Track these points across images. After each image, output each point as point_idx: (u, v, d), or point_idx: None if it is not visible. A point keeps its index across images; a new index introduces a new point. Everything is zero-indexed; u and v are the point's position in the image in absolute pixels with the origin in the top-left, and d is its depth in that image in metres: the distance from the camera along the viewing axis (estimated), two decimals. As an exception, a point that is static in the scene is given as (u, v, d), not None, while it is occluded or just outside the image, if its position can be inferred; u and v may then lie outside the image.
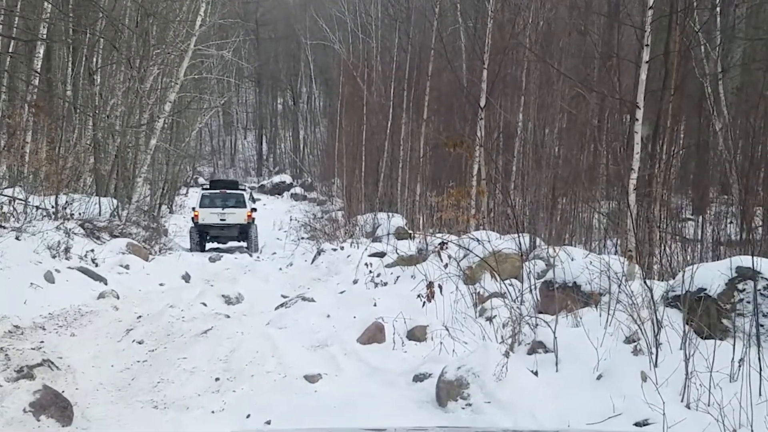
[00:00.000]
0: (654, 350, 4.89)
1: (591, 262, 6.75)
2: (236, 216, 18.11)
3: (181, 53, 19.07)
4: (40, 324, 7.58)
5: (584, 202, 13.18)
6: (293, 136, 58.29)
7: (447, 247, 9.74)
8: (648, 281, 6.06)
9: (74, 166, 18.48)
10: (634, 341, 5.25)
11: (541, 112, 12.68)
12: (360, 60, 28.22)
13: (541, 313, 7.49)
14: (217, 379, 5.81)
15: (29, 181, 16.35)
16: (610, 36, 11.57)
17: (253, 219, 18.62)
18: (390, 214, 16.55)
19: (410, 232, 13.13)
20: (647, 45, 7.77)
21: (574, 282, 7.32)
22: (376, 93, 26.53)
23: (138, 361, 6.39)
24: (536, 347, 5.65)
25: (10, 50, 19.48)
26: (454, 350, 6.02)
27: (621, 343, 5.30)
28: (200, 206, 18.15)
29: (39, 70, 18.89)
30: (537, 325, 6.18)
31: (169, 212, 31.67)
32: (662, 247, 7.59)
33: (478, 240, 9.79)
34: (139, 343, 6.91)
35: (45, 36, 18.79)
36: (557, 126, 12.44)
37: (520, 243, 9.24)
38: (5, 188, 14.79)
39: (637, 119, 7.82)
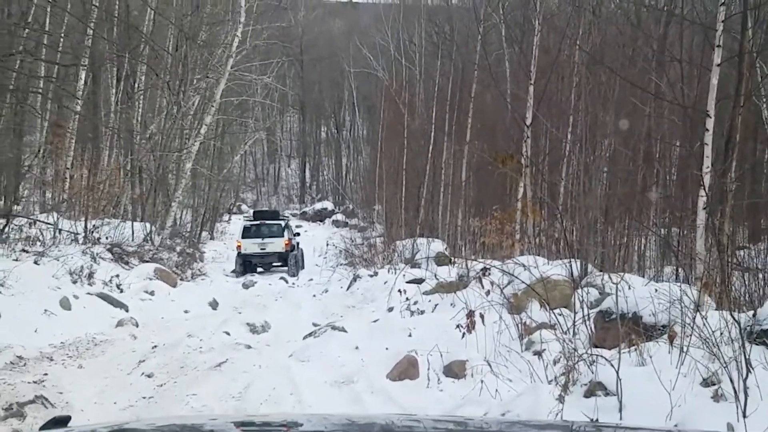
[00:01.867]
0: (742, 397, 4.02)
1: (656, 290, 5.87)
2: (275, 245, 19.36)
3: (219, 76, 18.78)
4: (48, 354, 7.04)
5: (639, 226, 12.26)
6: (336, 164, 58.18)
7: (489, 273, 8.96)
8: (723, 313, 5.19)
9: (112, 191, 18.30)
10: (714, 384, 4.39)
11: (592, 130, 11.82)
12: (402, 85, 27.81)
13: (596, 347, 6.63)
14: (226, 421, 5.12)
15: (69, 206, 16.16)
16: (664, 40, 10.72)
17: (293, 246, 19.97)
18: (430, 239, 15.81)
19: (450, 257, 12.35)
20: (719, 46, 6.92)
21: (635, 313, 6.48)
22: (418, 118, 26.02)
23: (144, 398, 5.75)
24: (595, 389, 4.80)
25: (55, 75, 19.60)
26: (497, 390, 5.21)
27: (698, 386, 4.43)
28: (242, 237, 19.60)
29: (81, 95, 18.90)
30: (594, 361, 5.35)
31: (210, 238, 31.47)
32: (730, 276, 6.68)
33: (523, 265, 8.99)
34: (149, 376, 6.28)
35: (87, 61, 18.82)
36: (610, 145, 11.54)
37: (573, 268, 8.41)
38: (41, 213, 14.62)
39: (707, 129, 6.96)
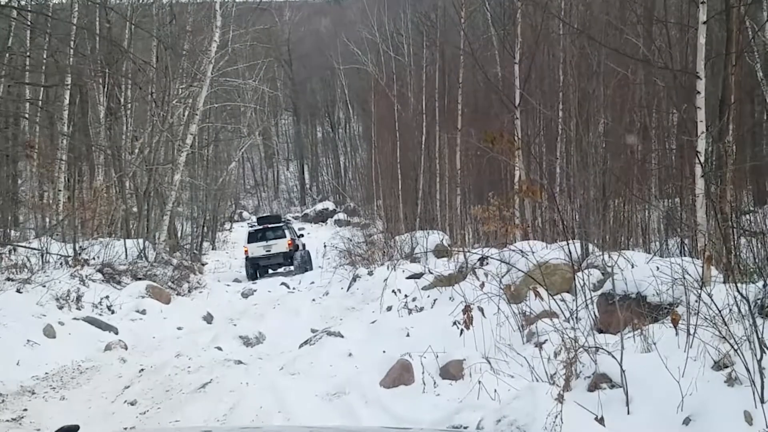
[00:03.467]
0: (758, 379, 3.67)
1: (658, 268, 5.51)
2: (278, 246, 20.74)
3: (201, 84, 18.44)
4: (30, 387, 6.71)
5: (639, 200, 11.88)
6: (334, 163, 57.91)
7: (487, 263, 8.61)
8: (730, 287, 4.83)
9: (103, 210, 18.02)
10: (726, 367, 4.04)
11: (583, 106, 11.43)
12: (391, 78, 27.47)
13: (600, 332, 6.29)
14: (210, 446, 4.80)
15: (61, 229, 15.89)
16: (652, 3, 10.26)
17: (296, 246, 21.44)
18: (428, 231, 15.46)
19: (449, 249, 12.00)
20: (703, 2, 6.51)
21: (638, 293, 6.12)
22: (410, 109, 25.67)
23: (125, 429, 5.42)
24: (599, 381, 4.45)
25: (41, 98, 19.34)
26: (496, 390, 4.86)
27: (709, 371, 4.09)
28: (248, 242, 21.01)
29: (66, 115, 18.64)
30: (597, 350, 5.01)
31: (212, 248, 31.15)
32: (737, 244, 6.30)
33: (521, 252, 8.63)
34: (132, 404, 5.95)
35: (70, 81, 18.55)
36: (603, 119, 11.12)
37: (570, 251, 8.04)
38: (34, 238, 14.32)
39: (698, 92, 6.55)
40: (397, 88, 26.54)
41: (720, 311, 4.15)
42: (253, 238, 21.16)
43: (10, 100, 17.20)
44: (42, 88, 19.24)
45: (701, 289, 5.22)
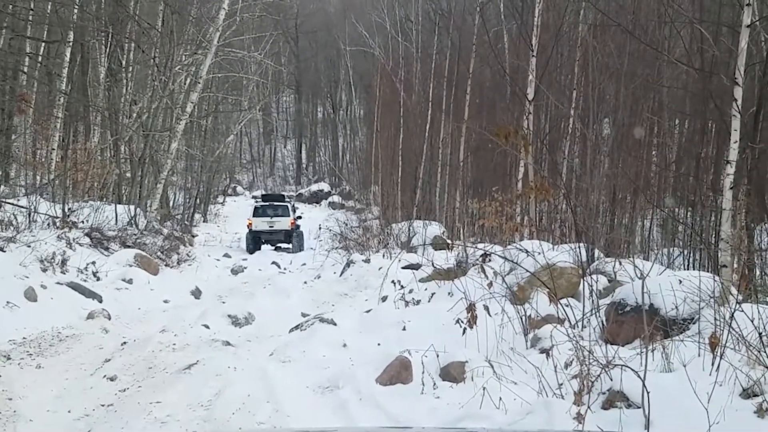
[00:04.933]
0: (795, 414, 3.38)
1: (681, 281, 5.20)
2: (282, 223, 22.11)
3: (205, 52, 17.99)
4: (6, 352, 6.36)
5: (645, 207, 11.60)
6: (332, 145, 57.47)
7: (490, 260, 8.28)
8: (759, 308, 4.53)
9: (97, 172, 17.63)
10: (756, 396, 3.74)
11: (600, 105, 11.07)
12: (398, 63, 27.06)
13: (607, 342, 6.00)
14: (193, 434, 4.50)
15: (51, 188, 15.51)
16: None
17: (297, 225, 22.70)
18: (426, 222, 15.13)
19: (449, 241, 11.68)
20: (749, 4, 6.18)
21: (651, 305, 5.82)
22: (414, 96, 25.29)
23: (102, 405, 5.09)
24: (615, 399, 4.15)
25: (41, 53, 18.84)
26: (501, 399, 4.56)
27: (737, 398, 3.78)
28: (254, 216, 22.26)
29: (66, 72, 18.21)
30: (615, 366, 4.71)
31: (203, 221, 30.75)
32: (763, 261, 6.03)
33: (527, 251, 8.32)
34: (111, 379, 5.61)
35: (72, 37, 18.08)
36: (620, 120, 10.76)
37: (579, 254, 7.74)
38: (22, 196, 13.91)
39: (735, 99, 6.23)
40: (403, 74, 26.16)
41: (761, 335, 3.83)
42: (258, 212, 22.41)
43: (10, 53, 16.78)
44: (43, 44, 18.74)
45: (724, 306, 4.95)
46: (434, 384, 5.06)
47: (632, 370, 3.80)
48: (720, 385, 3.89)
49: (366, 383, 5.16)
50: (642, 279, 4.12)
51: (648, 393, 3.64)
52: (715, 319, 4.51)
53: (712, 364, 4.12)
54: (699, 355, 4.37)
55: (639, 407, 3.92)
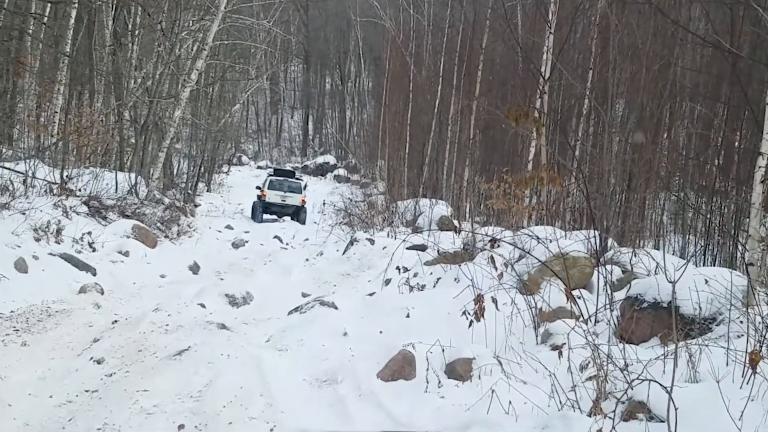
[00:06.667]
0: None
1: (707, 281, 4.87)
2: (293, 199, 23.18)
3: (212, 18, 17.51)
4: (-10, 327, 6.08)
5: (656, 195, 11.22)
6: (340, 117, 56.92)
7: (499, 245, 7.94)
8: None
9: (99, 138, 17.30)
10: (792, 414, 3.42)
11: (620, 85, 10.64)
12: (409, 36, 26.48)
13: (622, 339, 5.69)
14: (180, 427, 4.21)
15: (51, 153, 15.19)
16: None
17: (305, 202, 23.59)
18: (433, 200, 14.76)
19: (456, 224, 11.33)
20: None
21: (670, 302, 5.49)
22: (424, 70, 24.76)
23: (87, 391, 4.81)
24: (635, 410, 3.84)
25: (46, 14, 18.41)
26: (510, 403, 4.26)
27: (772, 416, 3.47)
28: (268, 188, 23.29)
29: (71, 35, 17.80)
30: (627, 366, 4.40)
31: (207, 190, 30.43)
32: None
33: (537, 238, 7.98)
34: (98, 362, 5.32)
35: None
36: (642, 102, 10.31)
37: (593, 243, 7.41)
38: (20, 160, 13.59)
39: (771, 86, 5.88)
40: (414, 48, 25.63)
41: None
42: (273, 185, 23.45)
43: (15, 13, 16.38)
44: (49, 5, 18.29)
45: (751, 308, 4.62)
46: (439, 382, 4.76)
47: (660, 384, 3.47)
48: (752, 400, 3.58)
49: (366, 378, 4.86)
50: (672, 284, 3.74)
51: (677, 409, 3.31)
52: (747, 325, 4.17)
53: (743, 376, 3.80)
54: (727, 364, 4.06)
55: (662, 421, 3.60)
